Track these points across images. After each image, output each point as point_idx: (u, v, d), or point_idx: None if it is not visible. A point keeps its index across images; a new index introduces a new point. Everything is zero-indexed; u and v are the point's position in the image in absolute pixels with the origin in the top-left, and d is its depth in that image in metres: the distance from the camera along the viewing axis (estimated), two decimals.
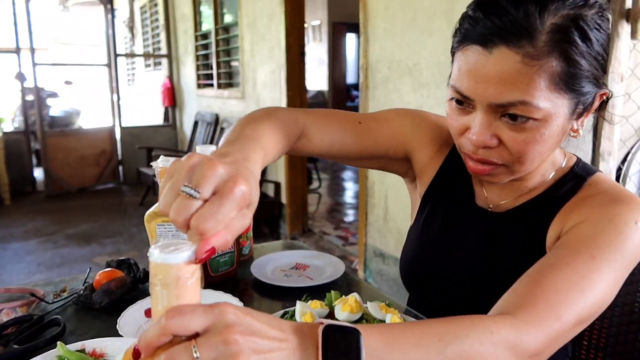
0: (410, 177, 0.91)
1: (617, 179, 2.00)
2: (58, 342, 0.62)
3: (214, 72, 4.80)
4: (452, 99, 0.66)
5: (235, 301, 0.79)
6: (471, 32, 0.60)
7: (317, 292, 0.86)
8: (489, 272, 0.75)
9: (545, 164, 0.72)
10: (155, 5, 6.15)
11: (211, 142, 4.68)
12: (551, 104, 0.58)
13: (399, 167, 0.89)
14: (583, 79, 0.59)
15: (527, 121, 0.59)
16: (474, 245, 0.77)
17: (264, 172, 3.76)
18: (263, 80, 3.95)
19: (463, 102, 0.64)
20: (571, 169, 0.73)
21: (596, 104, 0.64)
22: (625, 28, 1.81)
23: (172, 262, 0.40)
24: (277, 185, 3.85)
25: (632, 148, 2.04)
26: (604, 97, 0.65)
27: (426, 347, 0.47)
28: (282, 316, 0.74)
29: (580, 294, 0.55)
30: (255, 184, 0.46)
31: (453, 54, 0.66)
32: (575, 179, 0.71)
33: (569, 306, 0.54)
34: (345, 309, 0.69)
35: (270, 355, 0.40)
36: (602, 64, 0.61)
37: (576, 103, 0.61)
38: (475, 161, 0.66)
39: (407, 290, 0.91)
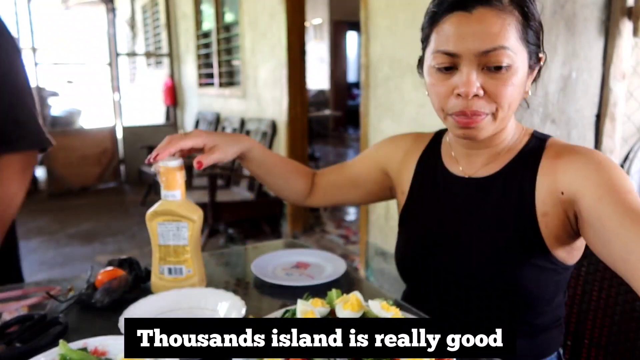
0: (395, 193, 1.02)
1: None
2: (60, 341, 0.62)
3: (215, 71, 4.80)
4: (435, 68, 0.75)
5: (237, 300, 0.79)
6: (451, 3, 0.73)
7: (318, 290, 0.86)
8: (482, 238, 0.81)
9: (507, 131, 0.82)
10: (157, 4, 6.15)
11: None
12: (517, 55, 0.72)
13: (386, 189, 1.03)
14: (533, 36, 0.74)
15: (501, 69, 0.71)
16: (462, 214, 0.84)
17: None
18: (264, 79, 3.95)
19: (448, 66, 0.74)
20: (532, 135, 0.84)
21: (536, 67, 0.78)
22: (627, 26, 1.80)
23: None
24: None
25: (634, 146, 2.04)
26: (541, 63, 0.79)
27: None
28: (283, 315, 0.74)
29: None
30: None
31: (428, 35, 0.77)
32: (537, 141, 0.83)
33: None
34: (346, 308, 0.69)
35: None
36: (540, 32, 0.77)
37: (529, 58, 0.75)
38: (467, 115, 0.74)
39: (403, 279, 0.95)
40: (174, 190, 0.84)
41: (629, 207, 0.65)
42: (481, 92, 0.73)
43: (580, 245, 0.81)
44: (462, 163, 0.87)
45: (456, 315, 0.85)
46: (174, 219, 0.85)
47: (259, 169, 1.00)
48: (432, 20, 0.76)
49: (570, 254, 0.80)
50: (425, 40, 0.79)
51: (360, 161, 1.05)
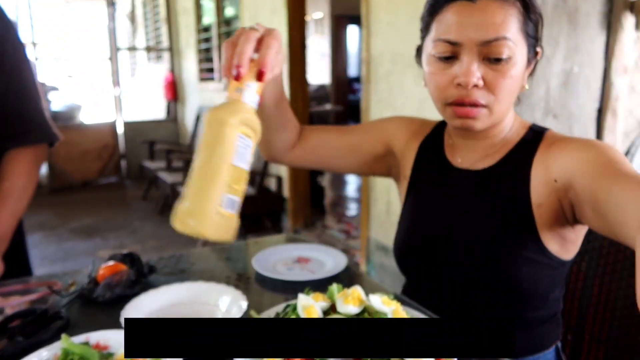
0: (395, 173, 1.00)
1: None
2: (62, 335, 0.63)
3: (216, 65, 4.79)
4: (435, 57, 0.75)
5: (238, 294, 0.80)
6: None
7: (319, 285, 0.86)
8: (477, 230, 0.81)
9: (505, 123, 0.82)
10: None
11: None
12: (517, 47, 0.72)
13: (384, 165, 1.00)
14: (533, 29, 0.74)
15: (502, 61, 0.71)
16: (459, 205, 0.84)
17: (266, 166, 3.77)
18: None
19: (449, 55, 0.74)
20: (530, 128, 0.84)
21: (534, 61, 0.78)
22: (629, 19, 1.80)
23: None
24: (279, 180, 3.85)
25: (635, 140, 2.03)
26: (538, 57, 0.78)
27: None
28: (284, 309, 0.74)
29: None
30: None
31: (428, 23, 0.77)
32: (534, 134, 0.82)
33: None
34: (347, 302, 0.69)
35: None
36: (539, 25, 0.76)
37: (528, 51, 0.75)
38: (465, 105, 0.74)
39: (400, 268, 0.95)
40: (258, 94, 0.62)
41: (620, 174, 0.64)
42: (481, 83, 0.73)
43: (574, 238, 0.81)
44: (460, 155, 0.87)
45: (452, 307, 0.85)
46: (253, 135, 0.61)
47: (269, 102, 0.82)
48: (434, 9, 0.76)
49: (564, 247, 0.80)
50: (425, 29, 0.79)
51: (365, 130, 1.00)
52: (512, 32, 0.71)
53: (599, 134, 1.93)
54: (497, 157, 0.83)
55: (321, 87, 9.41)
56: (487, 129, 0.80)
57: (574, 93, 1.85)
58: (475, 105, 0.74)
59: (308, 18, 5.03)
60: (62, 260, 3.35)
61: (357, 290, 0.72)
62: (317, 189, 4.21)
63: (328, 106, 8.68)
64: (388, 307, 0.69)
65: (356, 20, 4.68)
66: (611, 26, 1.81)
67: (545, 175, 0.77)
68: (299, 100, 3.67)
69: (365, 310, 0.70)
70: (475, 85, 0.73)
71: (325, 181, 5.22)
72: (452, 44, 0.72)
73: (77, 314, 0.82)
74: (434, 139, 0.93)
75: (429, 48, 0.77)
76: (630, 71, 1.88)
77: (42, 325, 0.74)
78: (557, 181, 0.74)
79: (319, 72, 9.43)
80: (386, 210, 2.68)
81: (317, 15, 9.15)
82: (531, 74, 0.80)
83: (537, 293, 0.81)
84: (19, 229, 1.17)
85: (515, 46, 0.71)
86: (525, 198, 0.78)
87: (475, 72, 0.72)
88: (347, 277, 0.98)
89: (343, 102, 9.49)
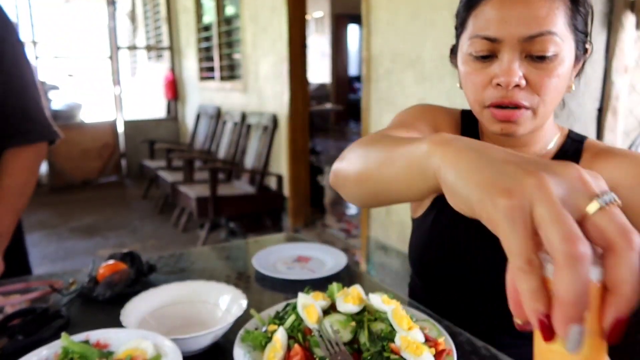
0: None
1: None
2: (62, 333, 0.63)
3: (216, 64, 4.79)
4: (473, 55, 0.69)
5: (238, 293, 0.80)
6: None
7: (319, 284, 0.86)
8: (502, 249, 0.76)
9: (545, 130, 0.76)
10: None
11: (213, 134, 4.68)
12: (565, 42, 0.66)
13: None
14: (582, 23, 0.69)
15: (546, 59, 0.65)
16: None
17: (266, 165, 3.77)
18: (265, 72, 3.94)
19: (487, 54, 0.68)
20: (568, 136, 0.80)
21: (582, 58, 0.72)
22: (630, 19, 1.79)
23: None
24: (280, 179, 3.85)
25: (635, 140, 2.03)
26: (587, 54, 0.73)
27: None
28: (284, 308, 0.75)
29: None
30: None
31: (464, 20, 0.71)
32: (573, 143, 0.78)
33: None
34: (347, 301, 0.69)
35: None
36: (589, 18, 0.71)
37: (576, 47, 0.69)
38: (505, 108, 0.68)
39: (419, 277, 0.90)
40: None
41: None
42: (523, 82, 0.67)
43: None
44: None
45: (463, 314, 0.83)
46: None
47: None
48: (471, 3, 0.70)
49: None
50: (460, 26, 0.73)
51: (407, 129, 0.78)
52: (558, 26, 0.65)
53: (599, 133, 1.93)
54: None
55: (321, 86, 9.40)
56: (528, 134, 0.73)
57: (574, 92, 1.85)
58: (517, 107, 0.68)
59: (308, 17, 5.03)
60: (62, 259, 3.35)
61: (356, 290, 0.72)
62: (317, 188, 4.21)
63: (328, 105, 8.69)
64: (388, 306, 0.69)
65: (357, 19, 4.67)
66: (612, 25, 1.81)
67: None
68: (299, 99, 3.67)
69: (365, 309, 0.70)
70: (517, 85, 0.67)
71: (325, 180, 5.22)
72: (492, 40, 0.67)
73: (77, 312, 0.82)
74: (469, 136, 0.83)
75: (465, 46, 0.71)
76: (631, 70, 1.87)
77: (42, 323, 0.74)
78: None
79: (319, 71, 9.43)
80: (386, 210, 2.68)
81: (318, 14, 9.14)
82: (579, 73, 0.74)
83: None
84: (18, 228, 1.17)
85: (562, 42, 0.65)
86: None
87: (517, 70, 0.66)
88: (347, 276, 0.98)
89: (343, 101, 9.49)
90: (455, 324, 0.78)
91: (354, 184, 0.59)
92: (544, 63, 0.66)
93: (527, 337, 0.83)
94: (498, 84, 0.67)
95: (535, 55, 0.65)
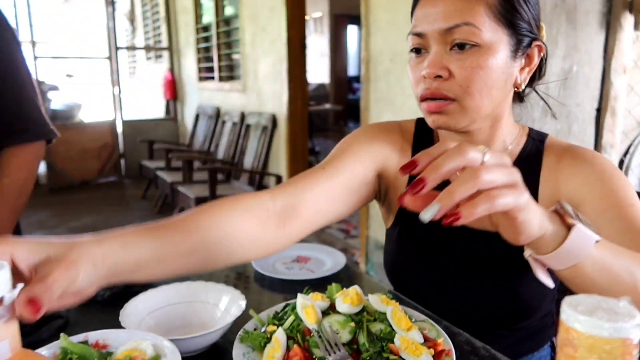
0: (382, 194, 0.88)
1: None
2: (61, 334, 0.63)
3: (215, 64, 4.79)
4: (411, 51, 0.74)
5: (237, 294, 0.80)
6: None
7: (318, 284, 0.86)
8: (480, 249, 0.78)
9: (503, 132, 0.77)
10: None
11: (212, 135, 4.68)
12: (492, 34, 0.68)
13: (372, 190, 0.84)
14: (520, 18, 0.69)
15: (472, 48, 0.67)
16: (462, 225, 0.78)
17: (265, 165, 3.77)
18: (264, 72, 3.94)
19: (420, 49, 0.72)
20: (529, 135, 0.81)
21: (536, 58, 0.73)
22: (628, 19, 1.80)
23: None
24: (279, 179, 3.85)
25: (634, 140, 2.03)
26: (542, 54, 0.73)
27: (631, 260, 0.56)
28: (284, 309, 0.75)
29: None
30: None
31: (411, 21, 0.75)
32: (535, 142, 0.80)
33: None
34: (346, 302, 0.69)
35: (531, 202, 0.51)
36: (538, 14, 0.72)
37: (515, 43, 0.70)
38: (430, 100, 0.71)
39: (395, 286, 0.90)
40: None
41: (629, 224, 0.65)
42: (446, 74, 0.69)
43: None
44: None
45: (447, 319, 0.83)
46: None
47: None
48: (413, 5, 0.75)
49: None
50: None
51: (352, 160, 0.80)
52: (478, 17, 0.67)
53: (598, 133, 1.93)
54: None
55: (321, 87, 9.40)
56: (480, 133, 0.75)
57: (572, 92, 1.85)
58: (442, 98, 0.70)
59: (307, 17, 5.03)
60: None
61: (356, 290, 0.72)
62: None
63: (327, 105, 8.69)
64: (387, 306, 0.69)
65: (356, 19, 4.68)
66: (610, 25, 1.81)
67: (553, 194, 0.75)
68: (298, 99, 3.67)
69: (364, 309, 0.70)
70: (440, 77, 0.69)
71: None
72: (419, 35, 0.71)
73: (77, 313, 0.82)
74: (424, 144, 0.84)
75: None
76: (629, 71, 1.88)
77: (41, 324, 0.74)
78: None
79: (318, 71, 9.43)
80: None
81: (317, 14, 9.14)
82: (539, 74, 0.76)
83: (540, 307, 0.80)
84: (16, 229, 1.17)
85: (483, 32, 0.67)
86: None
87: (437, 61, 0.69)
88: (346, 276, 0.98)
89: (342, 101, 9.49)
90: None
91: None
92: (464, 54, 0.68)
93: (502, 341, 0.81)
94: (424, 77, 0.71)
95: (455, 45, 0.68)
